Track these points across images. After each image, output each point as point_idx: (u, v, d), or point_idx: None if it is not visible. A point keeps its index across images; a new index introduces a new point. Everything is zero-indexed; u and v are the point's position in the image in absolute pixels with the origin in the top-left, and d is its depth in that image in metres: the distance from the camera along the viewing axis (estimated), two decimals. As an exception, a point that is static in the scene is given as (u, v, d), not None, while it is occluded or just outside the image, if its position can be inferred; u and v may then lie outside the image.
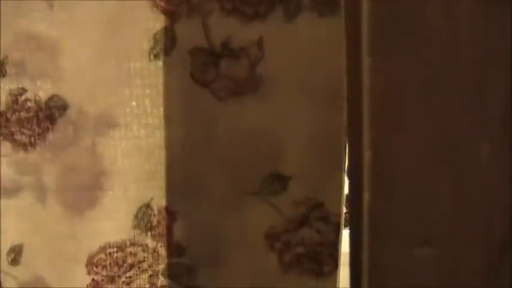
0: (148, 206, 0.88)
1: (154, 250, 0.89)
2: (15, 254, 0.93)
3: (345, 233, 0.85)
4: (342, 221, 0.88)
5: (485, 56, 0.56)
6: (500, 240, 0.55)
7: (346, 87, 0.69)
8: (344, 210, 0.90)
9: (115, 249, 0.89)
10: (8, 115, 0.90)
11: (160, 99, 0.86)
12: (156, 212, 0.89)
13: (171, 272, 0.90)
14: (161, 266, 0.90)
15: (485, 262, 0.55)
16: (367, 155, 0.59)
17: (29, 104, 0.90)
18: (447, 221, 0.56)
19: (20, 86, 0.89)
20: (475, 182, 0.56)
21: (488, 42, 0.56)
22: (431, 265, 0.57)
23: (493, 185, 0.55)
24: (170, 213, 0.88)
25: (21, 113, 0.90)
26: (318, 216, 0.87)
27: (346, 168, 0.86)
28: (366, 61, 0.60)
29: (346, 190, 0.88)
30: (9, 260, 0.93)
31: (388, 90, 0.60)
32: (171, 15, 0.84)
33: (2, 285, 0.94)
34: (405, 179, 0.58)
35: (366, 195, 0.59)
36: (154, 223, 0.89)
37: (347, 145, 0.69)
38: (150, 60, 0.85)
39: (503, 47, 0.55)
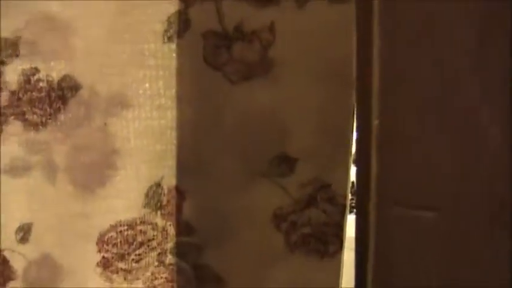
0: (158, 185, 0.90)
1: (164, 229, 0.92)
2: (24, 232, 0.94)
3: (350, 218, 0.87)
4: (348, 203, 0.90)
5: (485, 24, 0.59)
6: (500, 202, 0.58)
7: (356, 66, 0.72)
8: (349, 196, 0.92)
9: (125, 227, 0.91)
10: (20, 95, 0.91)
11: (173, 81, 0.88)
12: (166, 191, 0.91)
13: (179, 251, 0.92)
14: (170, 245, 0.92)
15: (485, 223, 0.59)
16: (375, 124, 0.62)
17: (41, 84, 0.91)
18: (449, 185, 0.60)
19: (32, 66, 0.91)
20: (476, 147, 0.59)
21: (488, 10, 0.59)
22: (435, 227, 0.60)
23: (492, 150, 0.58)
24: (180, 192, 0.90)
25: (33, 93, 0.91)
26: (325, 198, 0.89)
27: (352, 150, 0.89)
28: (376, 39, 0.63)
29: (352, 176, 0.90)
30: (18, 238, 0.94)
31: (395, 67, 0.63)
32: (185, -1, 0.86)
33: (10, 263, 0.95)
34: (410, 146, 0.61)
35: (374, 162, 0.62)
36: (164, 202, 0.91)
37: (356, 117, 0.72)
38: (163, 42, 0.87)
39: (503, 13, 0.58)
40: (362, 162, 0.65)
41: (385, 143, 0.61)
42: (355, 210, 0.71)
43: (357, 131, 0.71)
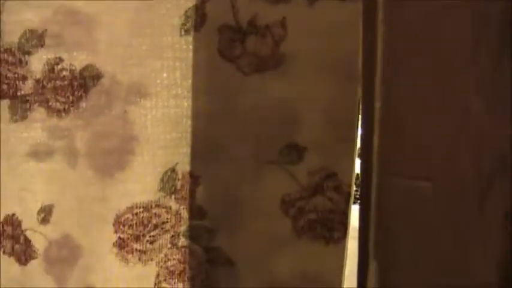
0: (173, 170, 0.95)
1: (177, 212, 0.96)
2: (46, 214, 0.99)
3: (354, 208, 0.91)
4: (353, 192, 0.94)
5: (478, 15, 0.63)
6: (488, 180, 0.63)
7: (361, 61, 0.76)
8: (354, 187, 0.96)
9: (141, 210, 0.96)
10: (44, 83, 0.96)
11: (189, 72, 0.93)
12: (180, 177, 0.95)
13: (192, 234, 0.97)
14: (183, 228, 0.97)
15: (476, 193, 0.63)
16: (377, 106, 0.67)
17: (64, 73, 0.96)
18: (444, 159, 0.64)
19: (56, 56, 0.96)
20: (468, 126, 0.64)
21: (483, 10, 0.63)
22: (431, 197, 0.64)
23: (483, 129, 0.63)
24: (194, 177, 0.95)
25: (57, 82, 0.96)
26: (331, 186, 0.94)
27: (358, 142, 0.93)
28: (380, 31, 0.68)
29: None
30: (40, 219, 0.99)
31: (396, 62, 0.68)
32: (202, -6, 0.91)
33: (32, 242, 1.00)
34: (409, 124, 0.66)
35: (376, 139, 0.67)
36: (179, 187, 0.96)
37: (361, 104, 0.77)
38: (181, 35, 0.92)
39: (494, 14, 0.63)
40: (366, 140, 0.70)
41: (386, 123, 0.66)
42: (359, 200, 0.76)
43: (362, 115, 0.75)
